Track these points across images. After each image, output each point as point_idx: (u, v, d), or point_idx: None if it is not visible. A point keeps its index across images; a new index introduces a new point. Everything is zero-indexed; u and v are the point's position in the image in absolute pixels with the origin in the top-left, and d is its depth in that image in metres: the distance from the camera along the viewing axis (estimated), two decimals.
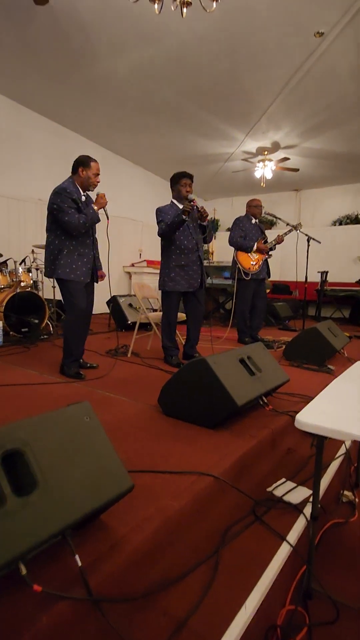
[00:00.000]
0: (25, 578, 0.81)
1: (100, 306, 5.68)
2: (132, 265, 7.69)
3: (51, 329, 4.60)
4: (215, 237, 9.35)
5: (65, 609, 0.84)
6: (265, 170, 6.91)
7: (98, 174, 2.76)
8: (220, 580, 1.12)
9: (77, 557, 0.91)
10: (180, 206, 3.16)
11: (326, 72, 4.47)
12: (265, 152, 6.75)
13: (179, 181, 3.16)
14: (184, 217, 2.99)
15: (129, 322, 4.96)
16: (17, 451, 0.90)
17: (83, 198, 2.75)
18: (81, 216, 2.65)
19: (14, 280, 4.32)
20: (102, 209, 2.74)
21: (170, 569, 1.10)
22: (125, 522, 1.12)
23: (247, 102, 5.25)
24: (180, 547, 1.18)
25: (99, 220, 2.77)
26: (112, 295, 3.63)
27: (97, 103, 5.52)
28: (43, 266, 4.65)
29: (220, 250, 9.02)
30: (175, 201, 3.23)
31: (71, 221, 2.61)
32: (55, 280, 2.84)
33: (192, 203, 2.99)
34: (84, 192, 2.78)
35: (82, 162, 2.74)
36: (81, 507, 0.92)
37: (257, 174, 7.07)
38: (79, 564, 0.91)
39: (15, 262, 4.50)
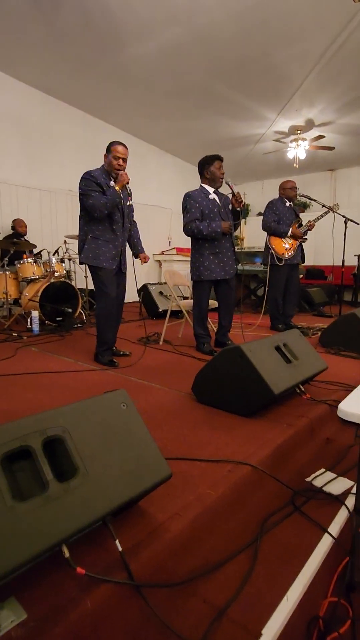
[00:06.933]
0: (69, 560, 0.83)
1: (130, 295, 5.71)
2: (162, 253, 7.67)
3: (84, 317, 4.68)
4: (245, 222, 9.13)
5: (108, 592, 0.85)
6: (298, 150, 6.62)
7: (120, 157, 2.69)
8: (259, 570, 1.10)
9: (117, 542, 0.92)
10: (211, 190, 3.13)
11: None
12: (299, 131, 6.45)
13: (213, 163, 3.09)
14: (222, 233, 3.08)
15: (160, 310, 4.97)
16: (57, 438, 0.91)
17: (112, 183, 2.74)
18: (103, 197, 2.65)
19: (48, 270, 4.42)
20: (125, 186, 2.72)
21: (209, 557, 1.09)
22: (164, 509, 1.12)
23: (279, 78, 5.00)
24: (219, 536, 1.17)
25: (119, 198, 2.71)
26: (142, 284, 3.62)
27: (125, 89, 5.45)
28: (75, 256, 4.76)
29: (251, 235, 8.81)
30: (205, 186, 3.16)
31: (94, 203, 2.63)
32: (87, 269, 2.86)
33: (230, 227, 3.08)
34: (113, 180, 2.77)
35: (107, 149, 2.76)
36: (121, 494, 0.93)
37: (290, 154, 6.78)
38: (120, 548, 0.91)
39: (48, 252, 4.59)
